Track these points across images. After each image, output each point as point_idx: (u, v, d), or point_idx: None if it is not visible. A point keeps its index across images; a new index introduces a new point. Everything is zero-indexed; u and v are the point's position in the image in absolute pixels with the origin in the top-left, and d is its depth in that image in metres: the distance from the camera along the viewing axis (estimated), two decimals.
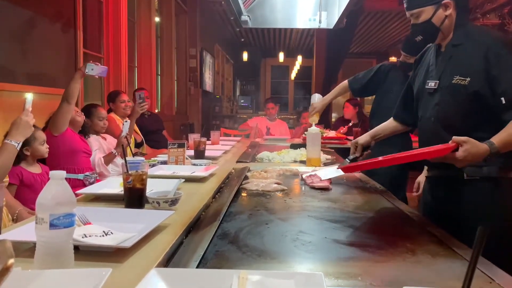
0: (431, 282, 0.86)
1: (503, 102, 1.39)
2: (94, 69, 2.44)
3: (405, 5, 1.60)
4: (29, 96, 1.78)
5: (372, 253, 1.04)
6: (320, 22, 3.75)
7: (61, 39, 3.45)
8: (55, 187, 0.80)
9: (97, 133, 3.01)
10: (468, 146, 1.30)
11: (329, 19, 3.78)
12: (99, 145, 2.91)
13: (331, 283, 0.84)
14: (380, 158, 1.56)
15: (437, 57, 1.61)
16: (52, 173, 0.81)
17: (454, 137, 1.32)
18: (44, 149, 2.28)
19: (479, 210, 1.49)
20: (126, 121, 2.72)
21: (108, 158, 2.84)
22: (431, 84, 1.59)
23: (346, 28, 6.34)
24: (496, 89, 1.41)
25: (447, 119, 1.54)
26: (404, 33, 10.25)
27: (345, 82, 2.92)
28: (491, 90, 1.42)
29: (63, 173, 0.82)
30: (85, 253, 0.94)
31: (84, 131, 2.81)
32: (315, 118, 2.83)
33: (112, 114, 3.49)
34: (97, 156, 2.78)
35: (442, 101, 1.55)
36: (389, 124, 1.93)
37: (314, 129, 2.53)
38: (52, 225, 0.79)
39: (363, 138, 1.87)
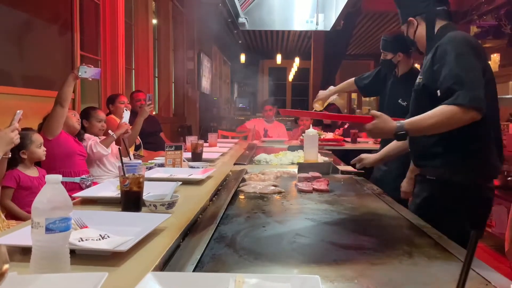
0: (427, 284, 0.87)
1: (438, 94, 1.46)
2: (87, 72, 2.42)
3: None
4: (19, 112, 1.78)
5: (369, 255, 1.04)
6: (317, 24, 3.76)
7: (58, 42, 3.45)
8: (51, 191, 0.80)
9: (95, 135, 3.00)
10: (378, 121, 1.45)
11: (326, 21, 3.79)
12: (95, 141, 2.91)
13: (327, 286, 0.84)
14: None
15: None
16: (48, 177, 0.81)
17: (372, 111, 1.46)
18: (41, 152, 2.27)
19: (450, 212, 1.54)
20: (126, 110, 2.72)
21: (106, 141, 2.83)
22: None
23: (343, 30, 6.37)
24: (437, 82, 1.48)
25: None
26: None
27: (352, 79, 2.99)
28: (435, 84, 1.50)
29: (59, 177, 0.82)
30: (82, 257, 0.93)
31: (79, 137, 2.79)
32: (317, 105, 2.96)
33: (112, 116, 3.50)
34: (92, 140, 2.78)
35: (411, 103, 1.72)
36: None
37: (311, 131, 2.53)
38: (48, 229, 0.78)
39: (371, 159, 1.89)
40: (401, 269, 0.95)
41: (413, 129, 1.44)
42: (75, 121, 2.71)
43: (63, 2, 3.50)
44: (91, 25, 4.39)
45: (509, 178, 3.95)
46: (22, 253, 0.94)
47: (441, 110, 1.40)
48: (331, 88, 3.04)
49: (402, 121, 1.45)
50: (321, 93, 3.01)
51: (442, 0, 1.65)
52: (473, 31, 7.90)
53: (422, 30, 1.67)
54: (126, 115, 2.73)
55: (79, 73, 2.40)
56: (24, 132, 2.15)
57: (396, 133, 1.44)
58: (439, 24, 1.63)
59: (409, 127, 1.44)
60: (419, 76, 1.65)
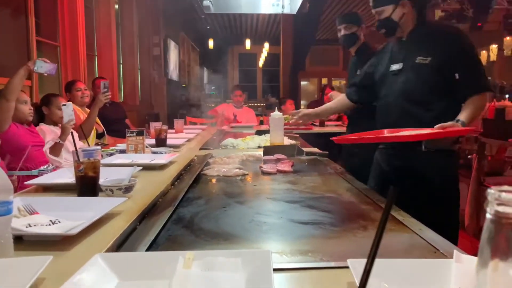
0: (378, 254, 0.88)
1: (457, 77, 1.67)
2: (43, 67, 2.36)
3: (370, 4, 1.87)
4: None
5: (325, 230, 1.05)
6: (283, 7, 3.77)
7: (11, 26, 3.27)
8: None
9: (55, 123, 2.88)
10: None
11: (292, 4, 3.81)
12: (53, 137, 2.78)
13: (282, 260, 0.84)
14: (386, 134, 1.77)
15: (400, 45, 1.88)
16: None
17: (442, 124, 1.57)
18: None
19: (432, 178, 1.74)
20: (64, 105, 2.37)
21: (55, 149, 2.68)
22: (395, 66, 1.86)
23: (310, 14, 6.37)
24: (454, 69, 1.68)
25: (412, 93, 1.79)
26: (370, 19, 10.38)
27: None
28: (449, 68, 1.69)
29: None
30: (30, 243, 0.90)
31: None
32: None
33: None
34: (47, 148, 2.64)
35: (407, 79, 1.81)
36: (338, 103, 2.32)
37: (277, 114, 2.53)
38: None
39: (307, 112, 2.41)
40: (355, 242, 0.97)
41: (468, 122, 1.63)
42: (27, 111, 2.56)
43: None
44: (48, 9, 4.19)
45: (469, 157, 4.11)
46: None
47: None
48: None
49: (461, 120, 1.61)
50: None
51: None
52: (438, 15, 8.06)
53: (409, 14, 1.79)
54: (67, 110, 2.39)
55: (35, 68, 2.34)
56: None
57: None
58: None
59: (467, 121, 1.62)
60: (421, 57, 1.74)
